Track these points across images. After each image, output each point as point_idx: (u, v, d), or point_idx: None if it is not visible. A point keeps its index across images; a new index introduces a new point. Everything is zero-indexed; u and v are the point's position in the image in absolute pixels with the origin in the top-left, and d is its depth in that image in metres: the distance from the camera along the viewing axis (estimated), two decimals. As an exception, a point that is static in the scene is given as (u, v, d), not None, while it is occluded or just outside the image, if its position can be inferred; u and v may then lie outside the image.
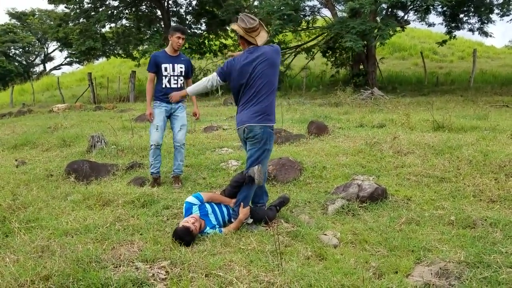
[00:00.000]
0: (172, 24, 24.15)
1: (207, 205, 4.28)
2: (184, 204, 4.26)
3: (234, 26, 4.17)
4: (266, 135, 4.12)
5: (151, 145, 5.72)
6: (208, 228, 4.12)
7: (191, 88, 4.59)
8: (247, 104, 4.13)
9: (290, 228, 4.22)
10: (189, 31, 24.02)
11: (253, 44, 4.16)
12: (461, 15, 19.29)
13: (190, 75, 5.88)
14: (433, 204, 4.76)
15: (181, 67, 5.72)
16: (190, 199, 4.25)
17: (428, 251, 3.64)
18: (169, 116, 5.81)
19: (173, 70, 5.67)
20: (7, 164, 7.30)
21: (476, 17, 18.92)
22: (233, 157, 6.77)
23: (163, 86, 5.67)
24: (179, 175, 5.82)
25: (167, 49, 5.74)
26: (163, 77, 5.66)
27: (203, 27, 25.12)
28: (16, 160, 7.37)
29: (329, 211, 4.67)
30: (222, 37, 24.71)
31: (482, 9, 17.64)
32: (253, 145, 4.14)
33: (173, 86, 5.68)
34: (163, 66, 5.62)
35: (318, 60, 22.73)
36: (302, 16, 19.22)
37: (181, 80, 5.76)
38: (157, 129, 5.68)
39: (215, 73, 4.32)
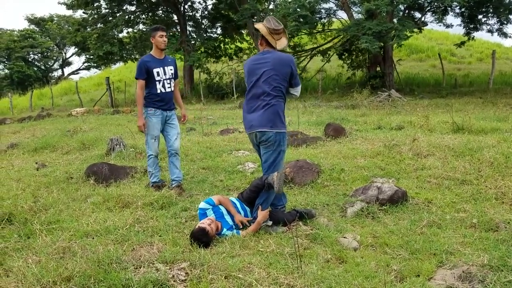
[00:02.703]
0: (188, 28, 24.36)
1: (221, 207, 4.30)
2: (198, 211, 4.31)
3: (258, 25, 4.22)
4: (279, 137, 4.13)
5: (151, 155, 5.54)
6: (225, 229, 4.12)
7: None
8: (257, 107, 4.15)
9: (309, 231, 4.19)
10: (204, 35, 24.17)
11: (271, 46, 4.21)
12: (480, 16, 19.04)
13: (177, 76, 5.71)
14: (455, 207, 4.68)
15: (171, 69, 5.53)
16: (202, 205, 4.29)
17: (450, 254, 3.58)
18: (163, 124, 5.59)
19: (165, 74, 5.45)
20: (28, 167, 7.43)
21: (495, 18, 18.66)
22: (250, 159, 6.77)
23: (158, 91, 5.41)
24: (181, 183, 5.63)
25: (153, 53, 5.48)
26: (156, 82, 5.39)
27: (219, 31, 25.28)
28: (36, 163, 7.49)
29: (348, 213, 4.63)
30: (237, 40, 24.80)
31: (501, 10, 17.39)
32: (267, 149, 4.15)
33: (167, 90, 5.48)
34: (155, 70, 5.37)
35: (334, 63, 22.63)
36: (318, 18, 19.19)
37: (173, 82, 5.57)
38: (155, 139, 5.50)
39: None
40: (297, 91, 4.39)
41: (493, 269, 3.27)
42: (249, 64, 4.29)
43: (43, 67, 46.10)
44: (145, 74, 5.36)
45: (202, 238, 3.82)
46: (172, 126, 5.61)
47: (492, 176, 5.39)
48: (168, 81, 5.50)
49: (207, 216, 4.18)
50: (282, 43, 4.23)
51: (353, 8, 19.83)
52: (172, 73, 5.55)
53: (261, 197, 4.24)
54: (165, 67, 5.47)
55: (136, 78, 5.42)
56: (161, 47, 5.43)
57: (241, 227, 4.21)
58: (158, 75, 5.41)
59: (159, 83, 5.41)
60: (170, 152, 5.60)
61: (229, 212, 4.28)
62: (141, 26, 25.07)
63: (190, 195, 5.40)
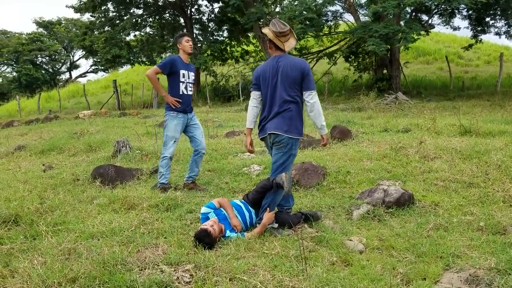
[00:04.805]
0: (195, 31, 24.45)
1: (223, 210, 4.32)
2: (200, 216, 4.34)
3: (265, 29, 4.25)
4: (292, 142, 4.16)
5: (165, 157, 5.62)
6: (228, 231, 4.12)
7: (247, 122, 4.44)
8: (276, 113, 4.17)
9: (314, 233, 4.18)
10: (211, 38, 24.24)
11: (280, 49, 4.23)
12: (487, 19, 18.93)
13: (195, 80, 6.00)
14: (462, 210, 4.64)
15: (193, 75, 5.77)
16: (204, 209, 4.32)
17: (457, 258, 3.55)
18: (185, 126, 5.73)
19: (189, 77, 5.67)
20: (34, 169, 7.47)
21: (503, 20, 18.55)
22: (255, 161, 6.76)
23: (181, 92, 5.59)
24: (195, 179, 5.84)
25: (181, 56, 5.66)
26: (181, 83, 5.58)
27: (225, 34, 25.33)
28: (43, 165, 7.52)
29: (354, 216, 4.60)
30: (244, 43, 24.84)
31: (509, 12, 17.26)
32: (279, 150, 4.16)
33: (189, 93, 5.69)
34: (182, 72, 5.56)
35: (341, 65, 22.60)
36: (324, 21, 19.16)
37: (193, 87, 5.80)
38: (174, 141, 5.63)
39: (251, 93, 4.40)
40: (310, 95, 4.11)
41: (500, 272, 3.24)
42: (262, 72, 4.28)
43: (51, 70, 46.39)
44: (168, 70, 5.52)
45: (204, 239, 3.83)
46: (196, 126, 5.81)
47: (500, 179, 5.35)
48: (190, 85, 5.74)
49: (210, 218, 4.20)
50: (290, 44, 4.25)
51: (360, 11, 19.80)
52: (193, 79, 5.80)
53: (267, 198, 4.23)
54: (189, 72, 5.71)
55: (157, 67, 5.54)
56: (189, 51, 5.64)
57: (237, 231, 4.20)
58: (184, 77, 5.62)
59: (183, 84, 5.63)
60: (197, 151, 5.77)
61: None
62: (148, 29, 25.22)
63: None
